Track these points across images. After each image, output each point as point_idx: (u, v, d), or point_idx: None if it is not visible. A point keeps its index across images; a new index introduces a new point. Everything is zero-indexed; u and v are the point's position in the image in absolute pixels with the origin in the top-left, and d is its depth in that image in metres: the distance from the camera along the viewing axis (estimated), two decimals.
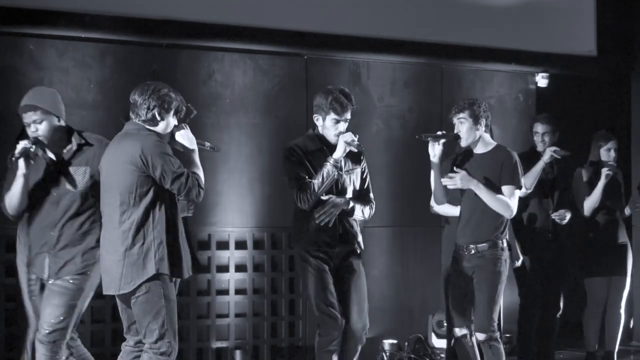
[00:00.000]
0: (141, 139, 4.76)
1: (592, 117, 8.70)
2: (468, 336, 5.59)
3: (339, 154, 5.44)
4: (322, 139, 5.56)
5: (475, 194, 5.52)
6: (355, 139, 5.45)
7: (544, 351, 6.90)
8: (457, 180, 5.50)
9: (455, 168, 5.56)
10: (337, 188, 5.55)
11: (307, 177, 5.44)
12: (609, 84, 8.98)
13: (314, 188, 5.39)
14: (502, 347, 5.56)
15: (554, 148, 6.68)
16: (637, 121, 8.84)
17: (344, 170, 5.55)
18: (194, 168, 4.87)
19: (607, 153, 7.00)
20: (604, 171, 6.87)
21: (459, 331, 5.64)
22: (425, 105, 8.23)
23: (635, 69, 8.87)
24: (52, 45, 6.94)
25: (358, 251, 5.68)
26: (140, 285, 4.73)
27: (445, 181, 5.55)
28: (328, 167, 5.41)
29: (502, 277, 5.53)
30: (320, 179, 5.39)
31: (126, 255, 4.72)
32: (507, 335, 7.59)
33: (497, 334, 5.53)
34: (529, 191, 6.58)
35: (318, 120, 5.56)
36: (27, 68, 6.85)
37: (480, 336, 5.51)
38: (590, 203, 6.92)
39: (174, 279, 4.85)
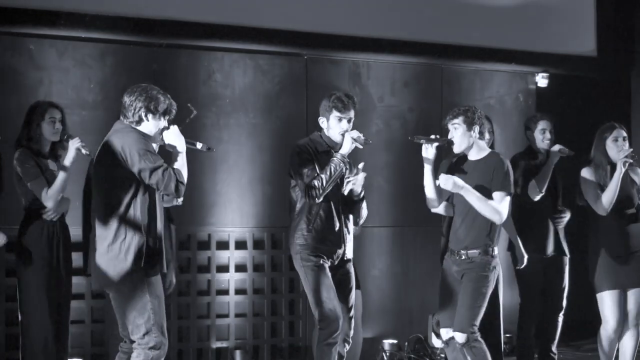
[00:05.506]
0: (122, 136, 4.82)
1: (592, 117, 8.68)
2: (454, 338, 5.61)
3: (345, 149, 5.54)
4: (328, 141, 5.65)
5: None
6: (361, 135, 5.56)
7: (544, 352, 6.90)
8: (448, 182, 5.56)
9: (442, 174, 5.61)
10: (342, 186, 5.65)
11: (316, 173, 5.54)
12: (609, 84, 8.97)
13: (322, 182, 5.47)
14: (484, 345, 5.55)
15: (559, 147, 6.63)
16: (637, 121, 8.83)
17: (346, 178, 5.66)
18: (176, 165, 4.90)
19: (614, 144, 6.30)
20: (621, 159, 6.19)
21: (445, 333, 5.67)
22: (425, 105, 8.23)
23: (635, 69, 8.87)
24: (52, 45, 6.94)
25: (348, 256, 5.72)
26: (122, 281, 4.78)
27: (439, 181, 5.61)
28: (335, 162, 5.50)
29: (488, 282, 5.56)
30: (328, 174, 5.48)
31: (109, 251, 4.79)
32: (507, 335, 7.59)
33: (477, 335, 5.53)
34: (542, 194, 6.57)
35: (323, 122, 5.67)
36: (27, 68, 6.86)
37: (460, 337, 5.51)
38: (607, 198, 6.20)
39: (157, 275, 4.89)
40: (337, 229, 5.60)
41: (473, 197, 5.53)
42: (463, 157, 5.75)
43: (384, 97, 8.10)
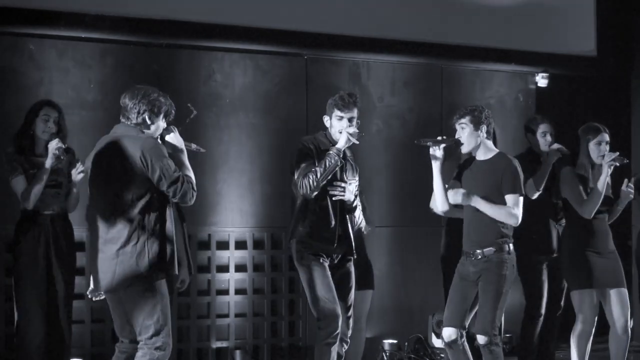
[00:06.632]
0: (141, 141, 4.81)
1: (592, 117, 8.66)
2: (458, 340, 5.61)
3: (341, 144, 5.60)
4: (332, 140, 5.71)
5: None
6: (357, 130, 5.61)
7: (544, 351, 6.89)
8: (458, 197, 5.62)
9: (450, 191, 5.65)
10: (338, 181, 5.69)
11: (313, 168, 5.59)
12: (609, 84, 8.97)
13: (316, 175, 5.51)
14: (501, 350, 5.57)
15: (557, 146, 6.63)
16: (637, 121, 8.83)
17: (347, 179, 5.69)
18: (185, 170, 4.93)
19: (597, 147, 6.21)
20: (607, 162, 6.08)
21: (447, 336, 5.65)
22: (425, 105, 8.23)
23: (635, 69, 8.87)
24: (52, 45, 6.94)
25: (352, 257, 5.75)
26: (134, 284, 4.78)
27: (449, 196, 5.65)
28: (331, 155, 5.56)
29: (508, 281, 5.57)
30: (323, 167, 5.53)
31: (119, 254, 4.76)
32: (508, 335, 7.59)
33: (498, 338, 5.55)
34: (540, 192, 6.56)
35: (327, 121, 5.73)
36: (27, 68, 6.86)
37: (481, 339, 5.52)
38: (593, 201, 6.11)
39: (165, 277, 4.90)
40: (332, 225, 5.63)
41: (485, 206, 5.57)
42: (470, 158, 5.75)
43: (384, 97, 8.10)
